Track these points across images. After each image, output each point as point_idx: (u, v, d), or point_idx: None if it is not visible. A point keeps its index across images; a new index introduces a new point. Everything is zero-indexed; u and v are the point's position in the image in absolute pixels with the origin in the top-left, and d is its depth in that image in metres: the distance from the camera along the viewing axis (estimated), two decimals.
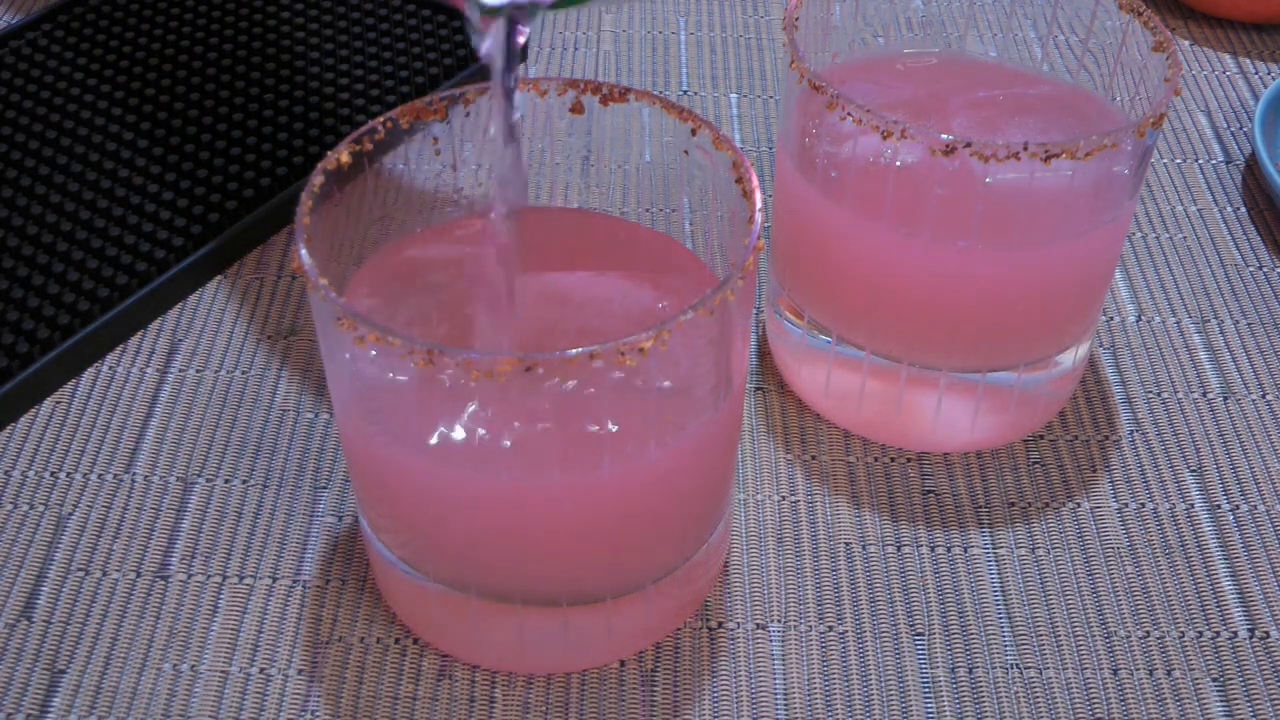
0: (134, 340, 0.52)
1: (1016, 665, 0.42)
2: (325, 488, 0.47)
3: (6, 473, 0.47)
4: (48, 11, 0.66)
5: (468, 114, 0.41)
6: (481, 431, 0.36)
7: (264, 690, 0.41)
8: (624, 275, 0.42)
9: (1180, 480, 0.48)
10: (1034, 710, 0.41)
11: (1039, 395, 0.47)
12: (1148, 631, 0.43)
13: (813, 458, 0.48)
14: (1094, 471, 0.48)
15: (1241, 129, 0.63)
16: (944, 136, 0.40)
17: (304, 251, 0.35)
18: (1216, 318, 0.54)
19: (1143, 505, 0.47)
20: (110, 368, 0.51)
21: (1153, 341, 0.52)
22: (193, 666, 0.42)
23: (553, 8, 0.36)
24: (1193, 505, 0.47)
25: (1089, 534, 0.46)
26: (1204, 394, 0.51)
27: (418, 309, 0.40)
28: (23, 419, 0.49)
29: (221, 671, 0.41)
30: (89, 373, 0.50)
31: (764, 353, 0.52)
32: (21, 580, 0.44)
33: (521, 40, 0.36)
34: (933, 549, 0.45)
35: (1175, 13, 0.70)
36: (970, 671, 0.42)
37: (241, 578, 0.44)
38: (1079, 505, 0.47)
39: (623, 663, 0.42)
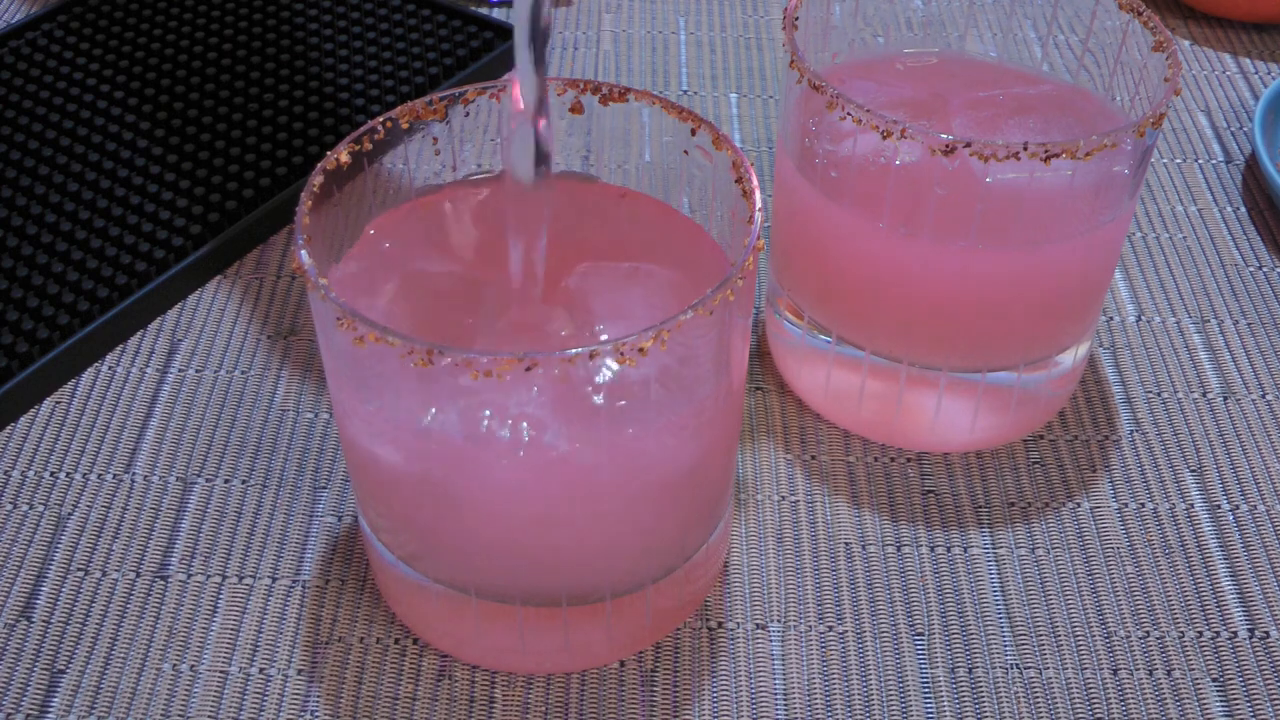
0: (134, 340, 0.52)
1: (1016, 665, 0.42)
2: (325, 488, 0.47)
3: (6, 473, 0.47)
4: (48, 11, 0.66)
5: (467, 114, 0.41)
6: (480, 429, 0.35)
7: (264, 690, 0.41)
8: (627, 240, 0.41)
9: (1180, 480, 0.48)
10: (1034, 710, 0.41)
11: (1039, 395, 0.47)
12: (1148, 631, 0.43)
13: (813, 458, 0.48)
14: (1094, 471, 0.48)
15: (1241, 129, 0.63)
16: (944, 136, 0.40)
17: (304, 252, 0.35)
18: (1216, 318, 0.54)
19: (1143, 505, 0.47)
20: (110, 368, 0.51)
21: (1153, 341, 0.52)
22: (193, 666, 0.42)
23: None
24: (1193, 505, 0.47)
25: (1089, 534, 0.46)
26: (1204, 394, 0.51)
27: (418, 279, 0.40)
28: (23, 419, 0.49)
29: (221, 671, 0.41)
30: (89, 373, 0.50)
31: (764, 353, 0.52)
32: (21, 580, 0.44)
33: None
34: (933, 549, 0.45)
35: (1175, 13, 0.70)
36: (970, 671, 0.42)
37: (241, 578, 0.44)
38: (1079, 505, 0.47)
39: (623, 663, 0.42)
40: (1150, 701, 0.41)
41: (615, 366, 0.33)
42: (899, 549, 0.45)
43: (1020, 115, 0.46)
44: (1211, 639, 0.43)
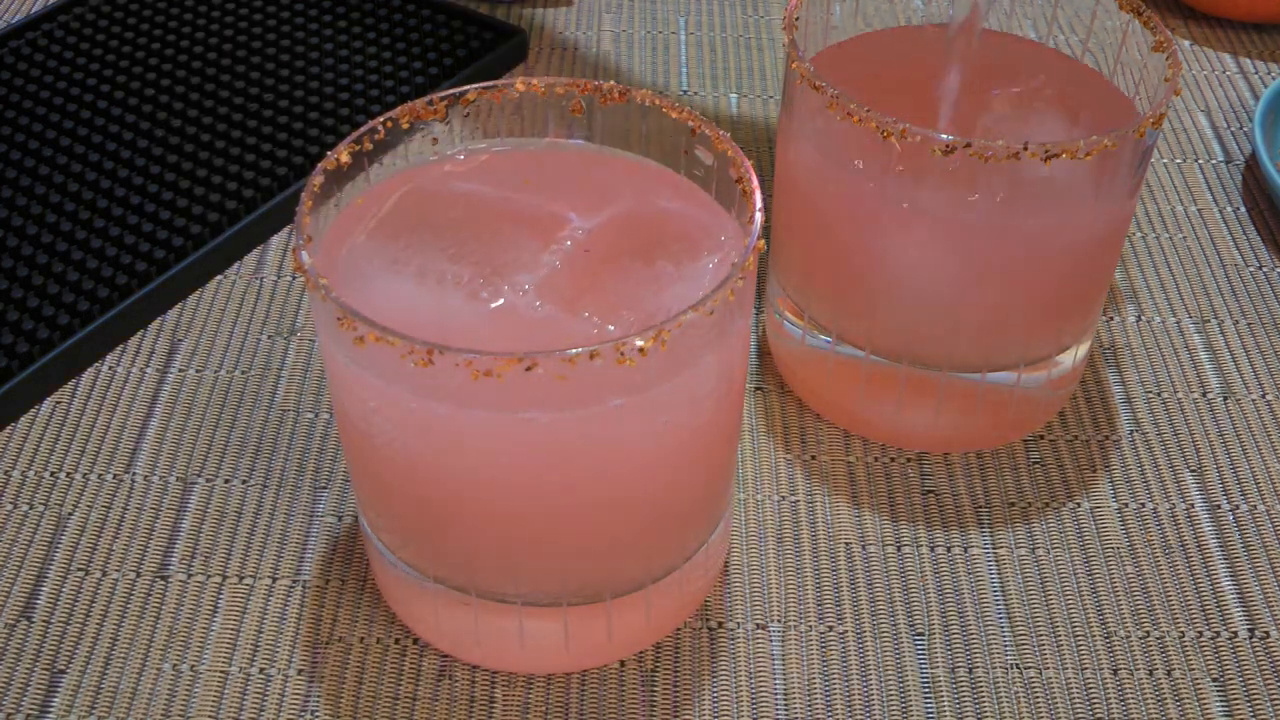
0: (134, 340, 0.52)
1: (1016, 665, 0.42)
2: (325, 488, 0.47)
3: (6, 473, 0.47)
4: (48, 11, 0.66)
5: (467, 114, 0.41)
6: (481, 430, 0.35)
7: (264, 690, 0.41)
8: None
9: (1180, 480, 0.48)
10: (1034, 710, 0.41)
11: (1039, 395, 0.47)
12: (1148, 631, 0.43)
13: (813, 458, 0.48)
14: (1094, 471, 0.48)
15: (1241, 129, 0.63)
16: (944, 136, 0.40)
17: (304, 252, 0.35)
18: (1216, 318, 0.54)
19: (1143, 505, 0.47)
20: (110, 368, 0.51)
21: (1153, 341, 0.52)
22: (193, 666, 0.42)
23: None
24: (1193, 505, 0.47)
25: (1089, 534, 0.46)
26: (1204, 394, 0.51)
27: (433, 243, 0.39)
28: (23, 419, 0.49)
29: (221, 671, 0.41)
30: (89, 373, 0.50)
31: (764, 353, 0.52)
32: (21, 580, 0.44)
33: None
34: (933, 549, 0.45)
35: (1175, 13, 0.70)
36: (970, 671, 0.42)
37: (241, 578, 0.44)
38: (1079, 505, 0.47)
39: (623, 663, 0.42)
40: (1150, 701, 0.41)
41: (615, 366, 0.33)
42: (899, 549, 0.45)
43: (1023, 108, 0.46)
44: (1211, 639, 0.43)
